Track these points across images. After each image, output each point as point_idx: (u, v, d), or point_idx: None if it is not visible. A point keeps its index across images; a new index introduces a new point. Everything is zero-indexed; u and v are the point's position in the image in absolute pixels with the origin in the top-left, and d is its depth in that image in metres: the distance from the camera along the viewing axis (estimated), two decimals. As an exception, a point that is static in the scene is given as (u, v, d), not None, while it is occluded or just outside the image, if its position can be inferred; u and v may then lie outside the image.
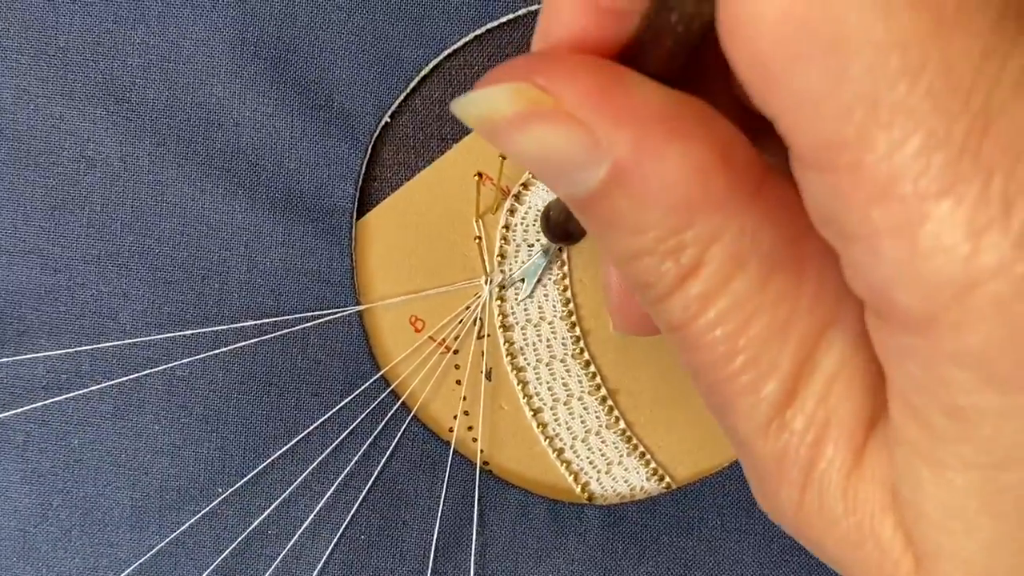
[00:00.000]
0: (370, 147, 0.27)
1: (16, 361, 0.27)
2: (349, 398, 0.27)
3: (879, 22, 0.11)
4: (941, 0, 0.11)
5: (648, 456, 0.28)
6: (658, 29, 0.15)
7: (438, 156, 0.28)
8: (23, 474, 0.27)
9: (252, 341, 0.27)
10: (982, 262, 0.12)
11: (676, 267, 0.15)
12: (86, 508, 0.27)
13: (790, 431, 0.15)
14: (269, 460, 0.27)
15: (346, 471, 0.27)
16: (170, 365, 0.27)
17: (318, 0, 0.27)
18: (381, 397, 0.27)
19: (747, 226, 0.14)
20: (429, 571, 0.27)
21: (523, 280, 0.28)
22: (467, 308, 0.28)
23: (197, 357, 0.27)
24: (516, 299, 0.28)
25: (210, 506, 0.27)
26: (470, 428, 0.28)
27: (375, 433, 0.27)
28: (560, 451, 0.28)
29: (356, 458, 0.27)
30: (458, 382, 0.28)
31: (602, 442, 0.28)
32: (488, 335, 0.28)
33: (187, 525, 0.27)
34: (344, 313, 0.27)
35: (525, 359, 0.28)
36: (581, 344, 0.28)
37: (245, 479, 0.27)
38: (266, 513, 0.27)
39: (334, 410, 0.27)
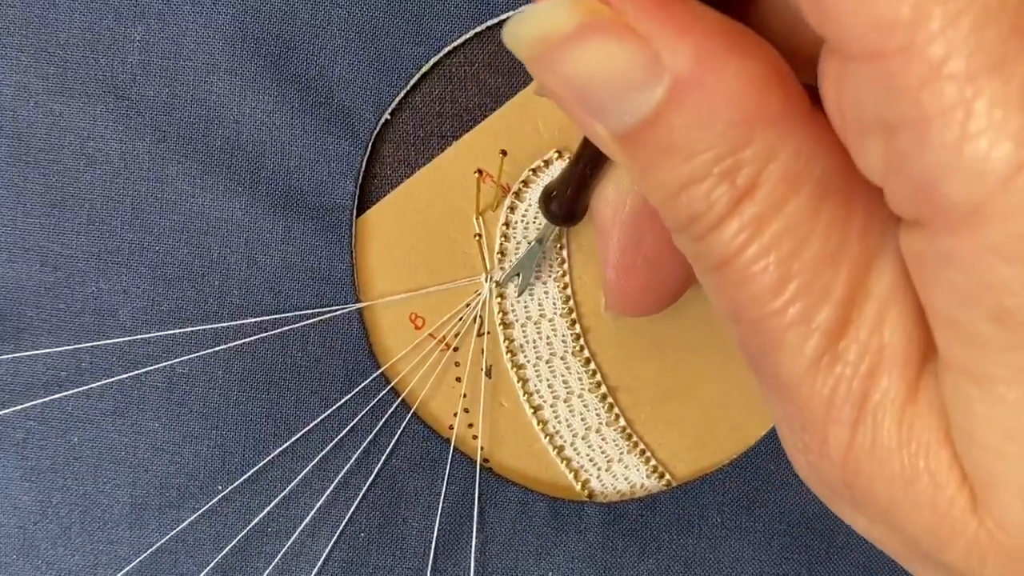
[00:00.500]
0: (370, 144, 0.27)
1: (16, 358, 0.27)
2: (349, 395, 0.27)
3: None
4: None
5: (648, 454, 0.28)
6: None
7: (438, 153, 0.28)
8: (23, 471, 0.27)
9: (252, 338, 0.27)
10: None
11: (731, 190, 0.14)
12: (86, 505, 0.27)
13: (843, 362, 0.14)
14: (269, 457, 0.27)
15: (346, 468, 0.27)
16: (170, 362, 0.27)
17: (318, -3, 0.27)
18: (381, 394, 0.27)
19: (803, 147, 0.14)
20: (429, 569, 0.27)
21: (519, 274, 0.28)
22: (467, 305, 0.28)
23: (197, 354, 0.27)
24: (515, 294, 0.28)
25: (210, 503, 0.27)
26: (470, 425, 0.28)
27: (375, 431, 0.27)
28: (560, 448, 0.28)
29: (356, 455, 0.27)
30: (458, 379, 0.28)
31: (602, 439, 0.28)
32: (488, 332, 0.28)
33: (187, 522, 0.27)
34: (344, 310, 0.27)
35: (525, 356, 0.28)
36: (581, 342, 0.28)
37: (245, 476, 0.27)
38: (266, 511, 0.27)
39: (334, 407, 0.27)
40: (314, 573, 0.27)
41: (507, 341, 0.28)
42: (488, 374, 0.28)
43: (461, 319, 0.28)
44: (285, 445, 0.27)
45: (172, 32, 0.27)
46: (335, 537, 0.27)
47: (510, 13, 0.27)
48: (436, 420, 0.28)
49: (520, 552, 0.27)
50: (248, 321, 0.27)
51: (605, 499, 0.28)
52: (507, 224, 0.28)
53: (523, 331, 0.28)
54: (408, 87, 0.27)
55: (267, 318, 0.27)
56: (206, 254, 0.27)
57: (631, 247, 0.22)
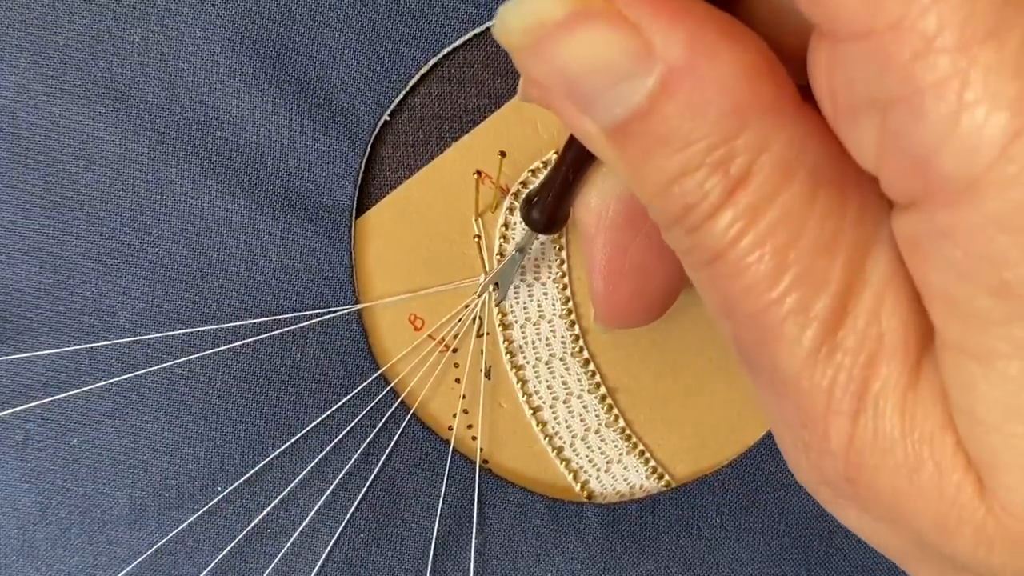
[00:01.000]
0: (369, 145, 0.27)
1: (15, 359, 0.27)
2: (348, 397, 0.27)
3: None
4: None
5: (648, 454, 0.28)
6: None
7: (437, 155, 0.28)
8: (22, 472, 0.27)
9: (251, 339, 0.27)
10: None
11: (724, 180, 0.14)
12: (85, 506, 0.27)
13: (842, 351, 0.14)
14: (268, 458, 0.27)
15: (345, 469, 0.27)
16: (169, 364, 0.27)
17: (317, -2, 0.27)
18: (380, 395, 0.27)
19: (795, 136, 0.14)
20: (428, 570, 0.27)
21: (498, 285, 0.27)
22: (466, 307, 0.28)
23: (196, 355, 0.27)
24: (495, 302, 0.28)
25: (209, 504, 0.27)
26: (469, 426, 0.28)
27: (374, 432, 0.27)
28: (559, 449, 0.28)
29: (355, 457, 0.27)
30: (457, 380, 0.28)
31: (601, 440, 0.28)
32: (487, 333, 0.28)
33: (186, 523, 0.27)
34: (343, 311, 0.27)
35: (524, 357, 0.28)
36: (581, 343, 0.28)
37: (244, 477, 0.27)
38: (265, 511, 0.27)
39: (333, 408, 0.27)
40: (313, 574, 0.27)
41: (506, 342, 0.28)
42: (487, 375, 0.28)
43: (460, 320, 0.28)
44: (284, 446, 0.27)
45: (171, 33, 0.27)
46: (334, 538, 0.27)
47: (509, 14, 0.27)
48: (435, 421, 0.28)
49: (519, 553, 0.27)
50: (247, 322, 0.27)
51: (604, 500, 0.28)
52: (506, 225, 0.28)
53: (522, 332, 0.28)
54: (407, 88, 0.27)
55: (266, 319, 0.27)
56: (205, 255, 0.27)
57: (617, 254, 0.21)
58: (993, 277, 0.12)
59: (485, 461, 0.28)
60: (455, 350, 0.28)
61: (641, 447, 0.28)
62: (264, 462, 0.27)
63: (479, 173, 0.28)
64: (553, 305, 0.28)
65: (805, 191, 0.14)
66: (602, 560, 0.27)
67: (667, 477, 0.28)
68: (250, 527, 0.27)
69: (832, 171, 0.14)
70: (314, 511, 0.27)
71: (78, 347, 0.27)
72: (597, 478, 0.28)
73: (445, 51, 0.27)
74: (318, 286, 0.27)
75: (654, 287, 0.22)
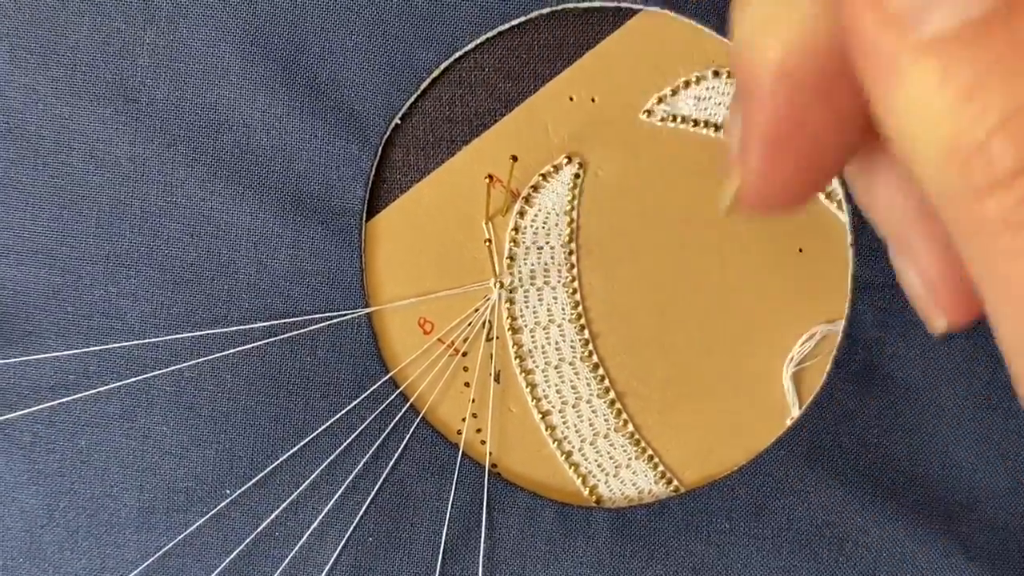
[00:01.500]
0: (380, 149, 0.27)
1: (24, 361, 0.27)
2: (358, 400, 0.27)
3: None
4: None
5: (656, 459, 0.28)
6: None
7: (448, 158, 0.28)
8: (30, 474, 0.27)
9: (261, 343, 0.27)
10: None
11: None
12: (93, 509, 0.27)
13: None
14: (277, 462, 0.27)
15: (354, 473, 0.27)
16: (178, 366, 0.27)
17: (328, 2, 0.27)
18: (390, 399, 0.27)
19: None
20: (437, 573, 0.27)
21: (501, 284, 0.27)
22: (476, 310, 0.28)
23: (205, 358, 0.27)
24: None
25: (218, 507, 0.27)
26: (479, 430, 0.28)
27: (384, 435, 0.27)
28: (568, 454, 0.28)
29: (364, 460, 0.27)
30: (467, 384, 0.28)
31: (610, 445, 0.28)
32: (497, 337, 0.28)
33: (195, 526, 0.27)
34: (353, 315, 0.27)
35: (534, 362, 0.28)
36: (590, 347, 0.28)
37: (253, 481, 0.27)
38: (274, 515, 0.27)
39: (342, 412, 0.27)
40: (322, 578, 0.27)
41: (516, 346, 0.28)
42: (496, 379, 0.28)
43: (470, 324, 0.28)
44: (294, 449, 0.27)
45: (182, 35, 0.27)
46: (343, 541, 0.27)
47: (520, 19, 0.27)
48: (444, 425, 0.28)
49: (528, 557, 0.27)
50: (257, 325, 0.27)
51: (613, 505, 0.28)
52: (516, 229, 0.28)
53: (532, 336, 0.28)
54: (418, 92, 0.27)
55: (276, 322, 0.27)
56: (215, 258, 0.27)
57: (793, 118, 0.16)
58: None
59: (494, 465, 0.28)
60: (464, 354, 0.28)
61: (650, 452, 0.28)
62: (273, 465, 0.27)
63: (490, 177, 0.27)
64: (563, 309, 0.28)
65: None
66: (611, 565, 0.27)
67: (676, 482, 0.28)
68: (258, 530, 0.27)
69: None
70: (323, 514, 0.27)
71: (86, 349, 0.27)
72: (606, 483, 0.28)
73: (456, 55, 0.27)
74: (328, 289, 0.27)
75: (820, 167, 0.17)
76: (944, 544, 0.27)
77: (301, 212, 0.27)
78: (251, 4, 0.27)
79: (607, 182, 0.28)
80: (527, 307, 0.28)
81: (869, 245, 0.27)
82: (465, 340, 0.28)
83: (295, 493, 0.27)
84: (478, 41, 0.27)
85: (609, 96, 0.28)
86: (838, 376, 0.28)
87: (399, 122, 0.28)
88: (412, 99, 0.27)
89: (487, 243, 0.28)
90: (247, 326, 0.27)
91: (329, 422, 0.27)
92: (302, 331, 0.27)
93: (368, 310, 0.27)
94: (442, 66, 0.27)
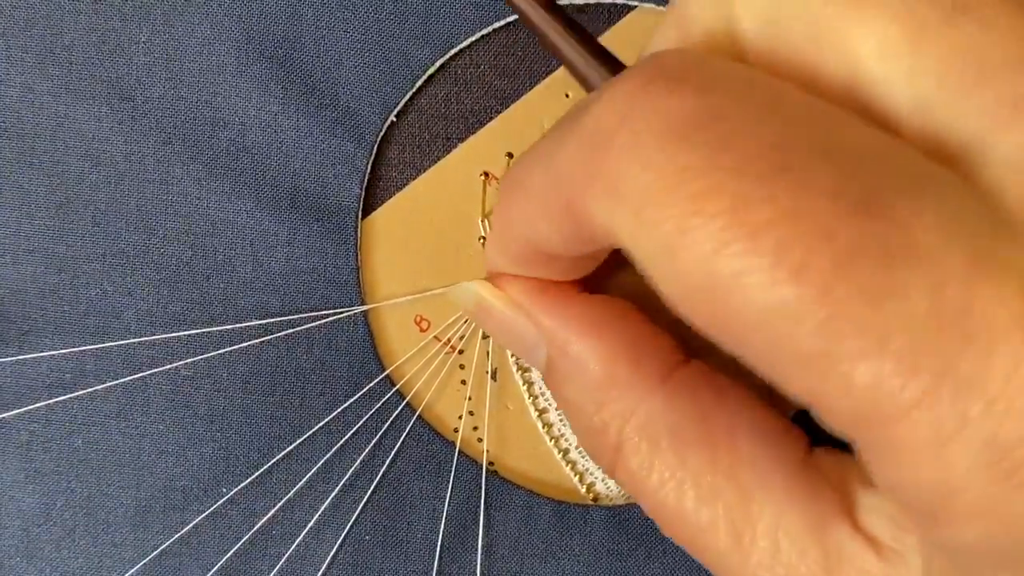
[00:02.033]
0: (376, 146, 0.27)
1: (20, 360, 0.27)
2: (354, 398, 0.27)
3: None
4: None
5: (654, 457, 0.28)
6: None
7: (444, 156, 0.28)
8: (26, 474, 0.27)
9: (257, 341, 0.27)
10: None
11: (608, 448, 0.18)
12: (90, 508, 0.27)
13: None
14: (274, 460, 0.27)
15: (351, 471, 0.27)
16: (175, 365, 0.27)
17: (324, -1, 0.27)
18: (386, 397, 0.27)
19: (653, 409, 0.17)
20: (434, 571, 0.27)
21: None
22: (472, 308, 0.28)
23: (202, 357, 0.27)
24: None
25: (214, 506, 0.27)
26: (475, 428, 0.28)
27: (380, 433, 0.27)
28: (565, 451, 0.28)
29: (361, 458, 0.27)
30: (463, 382, 0.28)
31: (608, 442, 0.28)
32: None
33: (191, 525, 0.27)
34: (349, 313, 0.27)
35: (531, 359, 0.28)
36: (587, 344, 0.28)
37: (250, 479, 0.27)
38: (271, 513, 0.27)
39: (339, 410, 0.27)
40: (319, 575, 0.27)
41: (512, 344, 0.28)
42: (493, 377, 0.28)
43: (466, 322, 0.28)
44: (290, 448, 0.27)
45: (178, 33, 0.27)
46: (340, 540, 0.27)
47: (515, 16, 0.27)
48: (441, 423, 0.28)
49: (525, 555, 0.27)
50: (253, 323, 0.27)
51: (610, 502, 0.28)
52: (513, 226, 0.28)
53: (528, 334, 0.28)
54: (414, 89, 0.27)
55: (272, 320, 0.27)
56: (211, 256, 0.27)
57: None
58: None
59: (491, 463, 0.28)
60: (461, 351, 0.28)
61: (647, 449, 0.28)
62: (269, 464, 0.27)
63: (486, 174, 0.27)
64: (559, 307, 0.28)
65: (672, 454, 0.17)
66: (608, 562, 0.27)
67: (673, 479, 0.28)
68: (255, 528, 0.27)
69: (699, 432, 0.17)
70: (319, 513, 0.27)
71: (83, 348, 0.27)
72: (603, 480, 0.28)
73: (452, 52, 0.27)
74: (324, 287, 0.27)
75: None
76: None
77: (297, 210, 0.27)
78: (246, 2, 0.27)
79: (603, 179, 0.28)
80: (524, 304, 0.28)
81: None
82: (462, 338, 0.28)
83: (292, 491, 0.27)
84: (474, 38, 0.27)
85: (605, 93, 0.28)
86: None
87: (395, 119, 0.28)
88: (408, 96, 0.27)
89: (483, 240, 0.28)
90: (243, 324, 0.27)
91: (325, 420, 0.27)
92: (298, 329, 0.27)
93: (364, 308, 0.27)
94: (438, 63, 0.27)
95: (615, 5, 0.28)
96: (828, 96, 0.14)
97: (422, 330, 0.28)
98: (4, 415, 0.27)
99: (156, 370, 0.27)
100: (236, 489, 0.27)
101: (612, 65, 0.19)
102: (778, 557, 0.16)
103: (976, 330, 0.11)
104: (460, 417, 0.28)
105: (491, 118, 0.28)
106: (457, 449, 0.27)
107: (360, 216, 0.27)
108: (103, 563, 0.27)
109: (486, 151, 0.28)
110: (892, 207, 0.12)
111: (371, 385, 0.27)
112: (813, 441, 0.17)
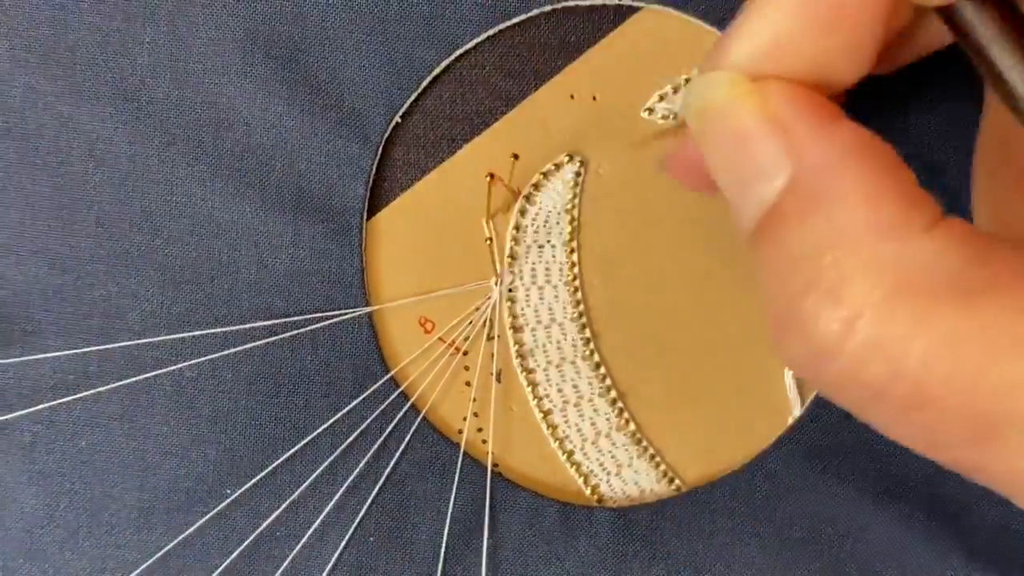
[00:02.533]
0: (380, 147, 0.27)
1: (23, 361, 0.27)
2: (358, 399, 0.27)
3: None
4: None
5: (658, 458, 0.28)
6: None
7: (449, 157, 0.28)
8: (30, 475, 0.27)
9: (261, 342, 0.27)
10: None
11: (852, 303, 0.15)
12: (93, 509, 0.27)
13: None
14: (278, 461, 0.27)
15: (355, 473, 0.27)
16: (179, 366, 0.27)
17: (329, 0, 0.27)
18: (391, 398, 0.27)
19: (930, 255, 0.15)
20: (439, 574, 0.27)
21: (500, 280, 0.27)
22: (477, 309, 0.28)
23: (206, 358, 0.27)
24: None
25: (218, 507, 0.27)
26: (480, 430, 0.28)
27: (384, 435, 0.27)
28: (570, 453, 0.28)
29: (365, 460, 0.27)
30: (468, 384, 0.28)
31: (612, 444, 0.28)
32: (498, 336, 0.28)
33: (195, 527, 0.27)
34: (354, 314, 0.27)
35: (535, 361, 0.28)
36: (591, 346, 0.28)
37: (253, 480, 0.27)
38: (275, 515, 0.27)
39: (343, 411, 0.27)
40: (323, 578, 0.27)
41: (517, 345, 0.28)
42: (498, 378, 0.28)
43: (471, 323, 0.28)
44: (294, 449, 0.27)
45: (182, 34, 0.27)
46: (344, 541, 0.27)
47: (520, 17, 0.27)
48: (446, 424, 0.28)
49: (530, 557, 0.27)
50: (257, 324, 0.27)
51: (615, 504, 0.28)
52: (517, 228, 0.28)
53: (533, 335, 0.28)
54: (419, 90, 0.27)
55: (276, 321, 0.27)
56: (215, 257, 0.27)
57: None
58: None
59: (495, 465, 0.28)
60: (465, 353, 0.28)
61: (652, 451, 0.28)
62: (273, 465, 0.27)
63: (491, 175, 0.27)
64: (564, 308, 0.28)
65: (958, 302, 0.14)
66: (613, 564, 0.27)
67: (677, 481, 0.28)
68: (259, 530, 0.27)
69: (985, 276, 0.15)
70: (324, 514, 0.27)
71: (87, 349, 0.27)
72: (607, 482, 0.28)
73: (457, 53, 0.27)
74: (328, 288, 0.27)
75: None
76: (944, 543, 0.27)
77: (301, 211, 0.27)
78: (251, 2, 0.27)
79: (608, 180, 0.28)
80: (528, 306, 0.28)
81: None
82: (466, 339, 0.28)
83: (296, 493, 0.27)
84: (479, 39, 0.27)
85: (610, 94, 0.28)
86: (840, 374, 0.27)
87: (400, 120, 0.27)
88: (413, 97, 0.27)
89: (488, 242, 0.28)
90: (247, 325, 0.27)
91: (330, 421, 0.27)
92: (302, 330, 0.27)
93: (369, 309, 0.27)
94: (443, 64, 0.27)
95: (620, 6, 0.28)
96: None
97: (426, 331, 0.28)
98: (8, 416, 0.27)
99: (160, 371, 0.27)
100: (240, 491, 0.27)
101: None
102: None
103: None
104: (464, 419, 0.28)
105: (496, 119, 0.28)
106: (462, 451, 0.27)
107: (365, 217, 0.27)
108: (106, 564, 0.27)
109: (491, 152, 0.28)
110: None
111: (375, 387, 0.27)
112: None
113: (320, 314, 0.27)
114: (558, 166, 0.28)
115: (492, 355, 0.28)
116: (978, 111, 0.21)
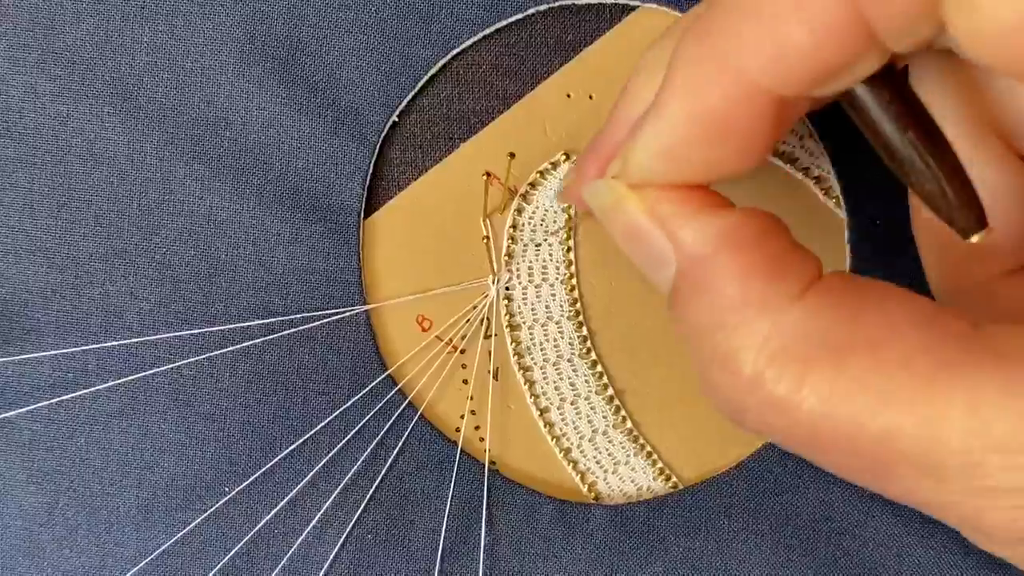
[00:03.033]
0: (378, 146, 0.27)
1: (22, 360, 0.27)
2: (356, 397, 0.27)
3: None
4: None
5: (655, 456, 0.28)
6: None
7: (446, 156, 0.28)
8: (29, 473, 0.27)
9: (259, 340, 0.27)
10: None
11: (743, 371, 0.17)
12: (92, 507, 0.27)
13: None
14: (276, 459, 0.27)
15: (353, 470, 0.27)
16: (177, 364, 0.27)
17: (326, -1, 0.27)
18: (388, 396, 0.27)
19: (795, 323, 0.16)
20: (436, 571, 0.27)
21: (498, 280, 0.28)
22: (474, 307, 0.28)
23: (204, 356, 0.27)
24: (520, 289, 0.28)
25: (217, 505, 0.27)
26: (477, 427, 0.28)
27: (382, 432, 0.27)
28: (567, 451, 0.28)
29: (363, 457, 0.27)
30: (465, 381, 0.28)
31: (609, 442, 0.28)
32: (495, 335, 0.28)
33: (194, 524, 0.27)
34: (351, 312, 0.27)
35: (532, 359, 0.28)
36: (588, 344, 0.28)
37: (252, 478, 0.27)
38: (273, 512, 0.27)
39: (341, 409, 0.27)
40: (321, 575, 0.27)
41: (514, 343, 0.28)
42: (495, 376, 0.28)
43: (468, 321, 0.28)
44: (292, 447, 0.27)
45: (180, 34, 0.27)
46: (342, 539, 0.27)
47: (517, 16, 0.27)
48: (443, 422, 0.28)
49: (527, 554, 0.27)
50: (255, 323, 0.27)
51: (612, 501, 0.28)
52: (514, 226, 0.28)
53: (530, 333, 0.28)
54: (416, 89, 0.27)
55: (274, 320, 0.27)
56: (213, 256, 0.27)
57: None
58: None
59: (493, 462, 0.28)
60: (463, 351, 0.28)
61: (648, 449, 0.28)
62: (272, 463, 0.27)
63: (488, 174, 0.28)
64: (561, 306, 0.28)
65: (826, 361, 0.16)
66: (609, 561, 0.27)
67: (674, 479, 0.28)
68: (257, 528, 0.27)
69: (852, 333, 0.16)
70: (322, 512, 0.27)
71: (85, 348, 0.27)
72: (604, 479, 0.28)
73: (454, 52, 0.27)
74: (326, 287, 0.27)
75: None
76: (941, 539, 0.27)
77: (299, 210, 0.27)
78: (248, 2, 0.27)
79: (605, 179, 0.28)
80: (525, 304, 0.28)
81: (867, 243, 0.27)
82: (463, 337, 0.28)
83: (294, 491, 0.27)
84: (476, 38, 0.27)
85: (607, 93, 0.28)
86: (836, 372, 0.28)
87: (397, 120, 0.28)
88: (410, 96, 0.27)
89: (485, 240, 0.28)
90: (245, 324, 0.27)
91: (327, 419, 0.27)
92: (300, 328, 0.27)
93: (366, 307, 0.28)
94: (440, 63, 0.27)
95: (617, 5, 0.28)
96: None
97: (424, 330, 0.28)
98: (7, 414, 0.27)
99: (158, 369, 0.27)
100: (238, 488, 0.27)
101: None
102: (989, 431, 0.15)
103: None
104: (462, 417, 0.28)
105: (493, 118, 0.28)
106: (459, 449, 0.27)
107: (362, 216, 0.27)
108: (105, 562, 0.27)
109: (488, 151, 0.28)
110: None
111: (373, 385, 0.27)
112: None
113: (318, 312, 0.27)
114: (555, 165, 0.28)
115: (489, 353, 0.28)
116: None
